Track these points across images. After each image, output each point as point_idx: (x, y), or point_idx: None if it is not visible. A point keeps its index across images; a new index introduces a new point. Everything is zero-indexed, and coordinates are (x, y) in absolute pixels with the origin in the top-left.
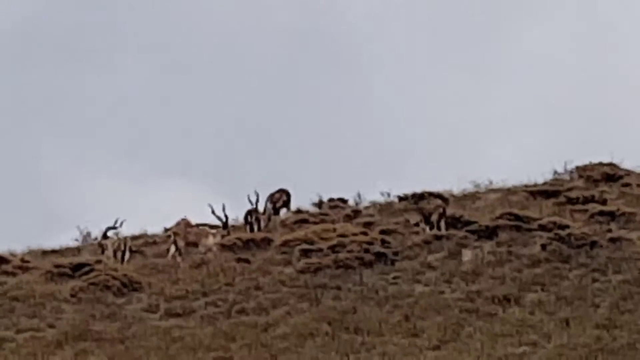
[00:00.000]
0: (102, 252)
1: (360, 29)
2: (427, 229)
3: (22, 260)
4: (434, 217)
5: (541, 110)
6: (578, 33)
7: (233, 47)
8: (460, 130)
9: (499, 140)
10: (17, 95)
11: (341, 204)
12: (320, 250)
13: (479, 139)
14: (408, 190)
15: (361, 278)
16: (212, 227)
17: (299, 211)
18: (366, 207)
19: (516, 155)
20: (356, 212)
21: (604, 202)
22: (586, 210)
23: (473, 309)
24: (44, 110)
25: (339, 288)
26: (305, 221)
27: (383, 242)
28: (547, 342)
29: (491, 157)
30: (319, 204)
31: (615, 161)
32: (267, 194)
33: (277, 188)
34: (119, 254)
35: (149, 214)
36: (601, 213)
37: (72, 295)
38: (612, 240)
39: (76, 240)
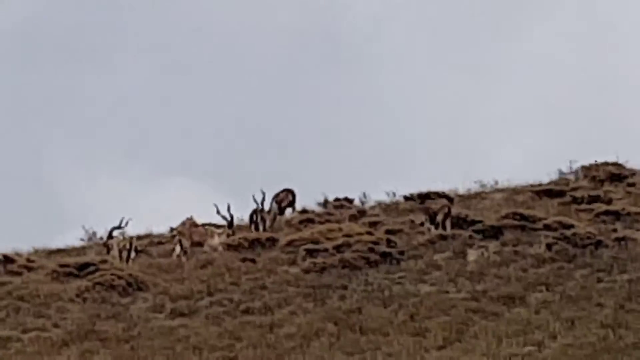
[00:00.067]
0: (108, 252)
1: (363, 29)
2: (433, 228)
3: (28, 259)
4: (440, 217)
5: (544, 110)
6: (579, 33)
7: (234, 46)
8: (465, 130)
9: (504, 140)
10: (20, 95)
11: (347, 204)
12: (326, 250)
13: (484, 138)
14: (413, 190)
15: (366, 278)
16: (217, 226)
17: (304, 211)
18: (372, 207)
19: (521, 155)
20: (362, 212)
21: (609, 201)
22: (591, 210)
23: (478, 308)
24: (47, 110)
25: (344, 288)
26: (310, 221)
27: (388, 242)
28: (552, 342)
29: (496, 156)
30: (325, 204)
31: (620, 161)
32: (271, 193)
33: (281, 188)
34: (125, 254)
35: (152, 213)
36: (606, 213)
37: (78, 295)
38: (618, 240)
39: (81, 240)
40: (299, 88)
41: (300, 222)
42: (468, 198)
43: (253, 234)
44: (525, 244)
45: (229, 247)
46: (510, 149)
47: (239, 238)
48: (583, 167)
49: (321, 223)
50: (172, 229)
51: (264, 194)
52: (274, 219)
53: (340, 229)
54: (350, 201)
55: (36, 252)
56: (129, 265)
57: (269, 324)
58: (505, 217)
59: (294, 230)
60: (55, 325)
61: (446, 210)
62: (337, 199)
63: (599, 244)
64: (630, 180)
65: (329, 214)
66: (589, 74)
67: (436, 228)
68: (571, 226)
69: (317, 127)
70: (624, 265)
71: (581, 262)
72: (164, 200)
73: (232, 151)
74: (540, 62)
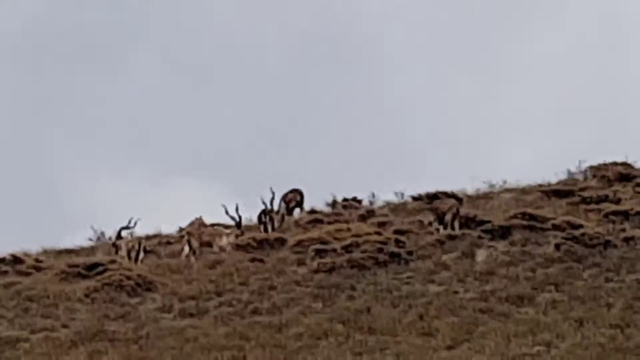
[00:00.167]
0: (116, 252)
1: (374, 29)
2: (441, 229)
3: (37, 260)
4: (448, 217)
5: (553, 110)
6: (587, 32)
7: (237, 46)
8: (473, 130)
9: (512, 140)
10: (25, 96)
11: (355, 204)
12: (334, 250)
13: (493, 139)
14: (422, 190)
15: (375, 278)
16: (226, 227)
17: (312, 211)
18: (380, 207)
19: (529, 155)
20: (370, 212)
21: (617, 201)
22: (600, 210)
23: (487, 308)
24: (53, 110)
25: (353, 288)
26: (319, 221)
27: (397, 242)
28: (560, 342)
29: (505, 157)
30: (333, 204)
31: (629, 161)
32: (279, 194)
33: (289, 188)
34: (133, 254)
35: (159, 213)
36: (615, 213)
37: (86, 295)
38: (626, 239)
39: (90, 240)
40: (306, 88)
41: (309, 222)
42: (476, 198)
43: (262, 234)
44: (533, 244)
45: (237, 247)
46: (518, 149)
47: (248, 238)
48: (592, 167)
49: (330, 223)
50: (181, 229)
51: (273, 193)
52: (283, 219)
53: (348, 229)
54: (359, 201)
55: (45, 252)
56: (138, 266)
57: (277, 324)
58: (514, 217)
59: (302, 230)
60: (64, 326)
61: (455, 210)
62: (345, 199)
63: (607, 244)
64: (639, 180)
65: (338, 214)
66: (597, 73)
67: (445, 228)
68: (580, 226)
69: (325, 127)
70: (632, 265)
71: (590, 262)
72: (170, 201)
73: (239, 151)
74: (549, 62)
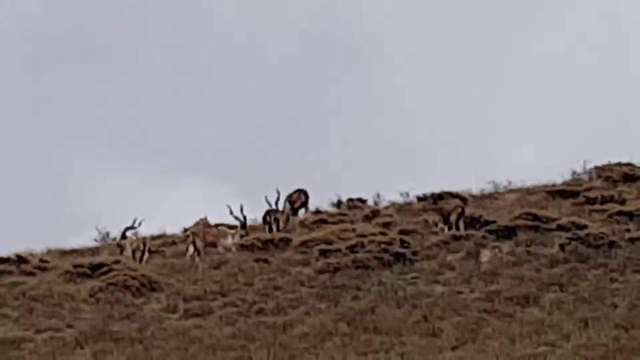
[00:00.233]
0: (121, 252)
1: (379, 29)
2: (446, 229)
3: (41, 260)
4: (453, 217)
5: (558, 110)
6: (591, 32)
7: (240, 47)
8: (478, 130)
9: (517, 140)
10: (31, 96)
11: (360, 204)
12: (339, 250)
13: (497, 139)
14: (427, 190)
15: (380, 278)
16: (230, 227)
17: (317, 211)
18: (385, 207)
19: (534, 156)
20: (375, 212)
21: (622, 202)
22: (605, 210)
23: (492, 309)
24: (57, 110)
25: (357, 288)
26: (324, 221)
27: (402, 242)
28: (565, 342)
29: (510, 157)
30: (338, 204)
31: (634, 161)
32: (284, 194)
33: (294, 188)
34: (138, 254)
35: (163, 214)
36: (620, 213)
37: (91, 296)
38: (631, 240)
39: (95, 240)
40: (307, 88)
41: (314, 222)
42: (481, 198)
43: (266, 235)
44: (538, 245)
45: (242, 247)
46: (523, 149)
47: (253, 239)
48: (596, 168)
49: (334, 223)
50: (185, 230)
51: (278, 193)
52: (287, 219)
53: (353, 230)
54: (364, 201)
55: (49, 252)
56: (143, 266)
57: (282, 325)
58: (519, 217)
59: (307, 230)
60: (69, 326)
61: (459, 210)
62: (350, 200)
63: (612, 244)
64: None
65: (343, 214)
66: (602, 73)
67: (449, 228)
68: (584, 226)
69: (327, 127)
70: (637, 265)
71: (594, 263)
72: (172, 201)
73: (240, 151)
74: (550, 62)
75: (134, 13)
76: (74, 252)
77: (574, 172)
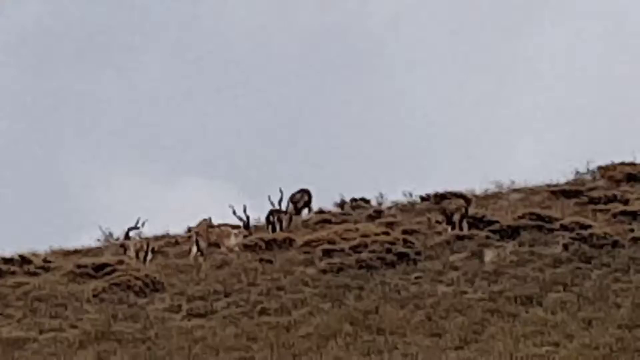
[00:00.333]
0: (124, 253)
1: (383, 29)
2: (449, 229)
3: (45, 260)
4: (456, 217)
5: (561, 110)
6: (595, 32)
7: (250, 47)
8: (482, 130)
9: (520, 140)
10: (36, 95)
11: (363, 204)
12: (343, 250)
13: (501, 139)
14: (430, 190)
15: (383, 278)
16: (234, 227)
17: (321, 211)
18: (388, 207)
19: (537, 155)
20: (378, 212)
21: (626, 202)
22: (608, 210)
23: (495, 309)
24: (62, 110)
25: (361, 288)
26: (327, 221)
27: (405, 242)
28: (569, 342)
29: (513, 157)
30: (341, 204)
31: (637, 161)
32: (288, 194)
33: (298, 188)
34: (141, 254)
35: (167, 214)
36: (623, 213)
37: (94, 296)
38: (634, 240)
39: (98, 240)
40: (315, 89)
41: (317, 222)
42: (485, 198)
43: (270, 235)
44: (541, 244)
45: (245, 247)
46: (526, 149)
47: (256, 239)
48: (600, 168)
49: (338, 223)
50: (189, 230)
51: (282, 193)
52: (291, 219)
53: (357, 230)
54: (367, 201)
55: (53, 252)
56: (146, 266)
57: (285, 325)
58: (522, 217)
59: (310, 230)
60: (72, 326)
61: (463, 210)
62: (353, 200)
63: (615, 244)
64: None
65: (346, 214)
66: (606, 73)
67: (453, 228)
68: (588, 226)
69: (333, 127)
70: None
71: (598, 263)
72: (179, 201)
73: (248, 152)
74: (561, 62)
75: (138, 13)
76: (77, 252)
77: (577, 172)
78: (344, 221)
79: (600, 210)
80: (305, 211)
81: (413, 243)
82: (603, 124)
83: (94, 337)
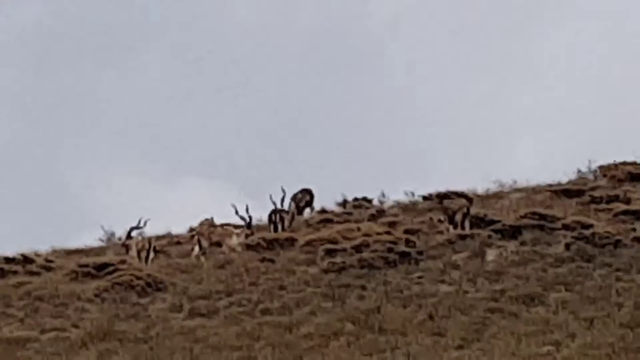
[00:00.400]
0: (126, 252)
1: (383, 29)
2: (451, 228)
3: (47, 260)
4: (458, 217)
5: (563, 110)
6: (598, 32)
7: (250, 46)
8: (483, 129)
9: (522, 139)
10: (37, 95)
11: (365, 204)
12: (345, 249)
13: (503, 138)
14: (432, 189)
15: (385, 278)
16: (236, 226)
17: (323, 211)
18: (390, 207)
19: (539, 155)
20: (380, 212)
21: (628, 201)
22: (610, 210)
23: (497, 308)
24: (63, 110)
25: (363, 288)
26: (329, 221)
27: (407, 242)
28: (571, 342)
29: (515, 156)
30: (343, 204)
31: (639, 161)
32: (290, 193)
33: (299, 188)
34: (143, 254)
35: (169, 213)
36: (625, 212)
37: (96, 295)
38: (636, 239)
39: (100, 240)
40: (315, 89)
41: (319, 222)
42: (487, 198)
43: (272, 234)
44: (544, 244)
45: (247, 247)
46: (527, 149)
47: (258, 238)
48: (602, 167)
49: (340, 223)
50: (191, 229)
51: (283, 193)
52: (293, 219)
53: (359, 229)
54: (369, 201)
55: (55, 252)
56: (148, 266)
57: (287, 324)
58: (524, 216)
59: (312, 230)
60: (74, 326)
61: (465, 210)
62: (355, 199)
63: (617, 243)
64: None
65: (348, 213)
66: (606, 73)
67: (455, 228)
68: (590, 226)
69: (335, 126)
70: None
71: (600, 262)
72: (179, 201)
73: (248, 152)
74: (563, 61)
75: (138, 13)
76: (79, 251)
77: (579, 172)
78: (346, 221)
79: (602, 210)
80: (307, 210)
81: (415, 242)
82: (603, 124)
83: (95, 336)
